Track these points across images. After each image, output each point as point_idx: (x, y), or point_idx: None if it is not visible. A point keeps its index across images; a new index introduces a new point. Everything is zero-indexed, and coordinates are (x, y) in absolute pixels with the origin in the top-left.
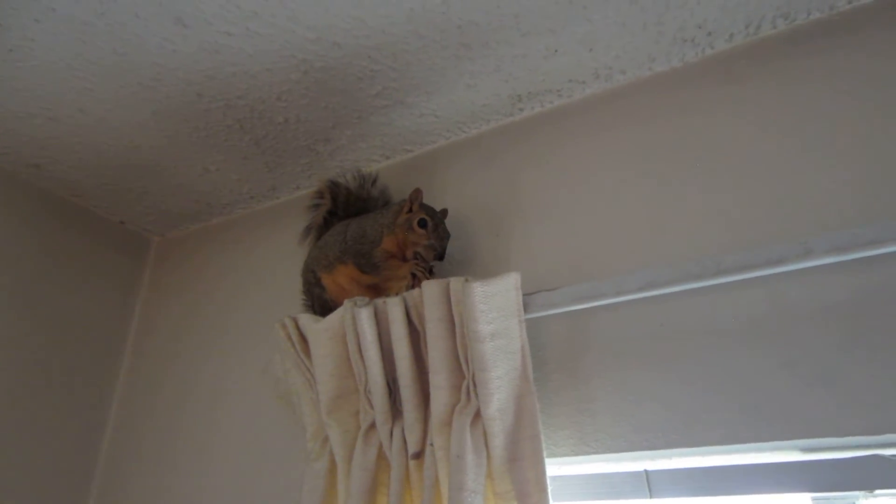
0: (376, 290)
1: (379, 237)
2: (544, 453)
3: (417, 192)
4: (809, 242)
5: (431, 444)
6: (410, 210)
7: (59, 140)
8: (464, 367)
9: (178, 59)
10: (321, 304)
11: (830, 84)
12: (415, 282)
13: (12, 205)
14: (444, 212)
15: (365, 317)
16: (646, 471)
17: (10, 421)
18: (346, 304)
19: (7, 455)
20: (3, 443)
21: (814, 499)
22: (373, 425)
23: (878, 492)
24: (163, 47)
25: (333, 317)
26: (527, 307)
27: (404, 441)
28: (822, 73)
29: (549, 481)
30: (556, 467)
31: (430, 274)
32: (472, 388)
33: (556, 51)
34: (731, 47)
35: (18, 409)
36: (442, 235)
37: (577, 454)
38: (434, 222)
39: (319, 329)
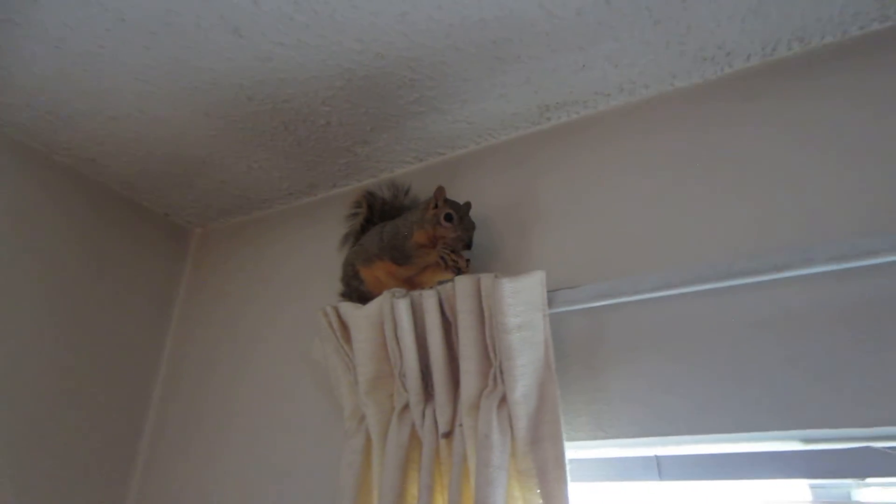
0: (411, 284)
1: (410, 232)
2: (564, 436)
3: (441, 190)
4: (810, 251)
5: (460, 425)
6: (437, 206)
7: (116, 137)
8: (491, 355)
9: (233, 66)
10: (359, 296)
11: (841, 102)
12: (446, 266)
13: (69, 196)
14: (468, 204)
15: (402, 307)
16: (656, 456)
17: (50, 410)
18: (386, 294)
19: (45, 450)
20: (41, 438)
21: (811, 485)
22: (406, 406)
23: (869, 480)
24: (220, 55)
25: (373, 305)
26: (550, 303)
27: (435, 421)
28: (833, 92)
29: (567, 462)
30: (574, 450)
31: (459, 256)
32: (498, 374)
33: (583, 66)
34: (749, 67)
35: (61, 395)
36: (468, 226)
37: (593, 438)
38: (459, 215)
39: (360, 315)
